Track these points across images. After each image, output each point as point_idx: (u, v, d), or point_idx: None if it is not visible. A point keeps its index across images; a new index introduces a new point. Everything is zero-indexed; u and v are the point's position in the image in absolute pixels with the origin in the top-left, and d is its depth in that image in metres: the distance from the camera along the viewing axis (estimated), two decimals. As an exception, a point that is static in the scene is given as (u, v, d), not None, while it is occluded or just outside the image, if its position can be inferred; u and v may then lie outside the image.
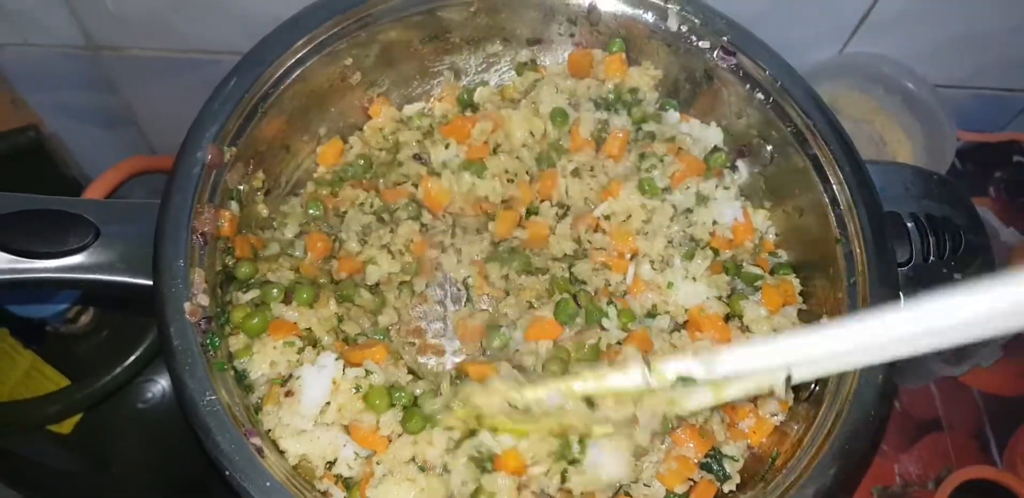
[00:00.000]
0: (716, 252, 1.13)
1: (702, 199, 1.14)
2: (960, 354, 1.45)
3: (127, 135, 1.80)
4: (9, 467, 1.42)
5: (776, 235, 1.16)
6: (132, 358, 1.44)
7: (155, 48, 1.54)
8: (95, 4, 1.43)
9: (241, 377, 0.96)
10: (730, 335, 1.07)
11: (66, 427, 1.46)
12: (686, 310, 1.09)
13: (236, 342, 0.98)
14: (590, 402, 0.86)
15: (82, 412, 1.47)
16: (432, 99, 1.25)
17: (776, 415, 1.02)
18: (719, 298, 1.09)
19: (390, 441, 0.97)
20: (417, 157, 1.18)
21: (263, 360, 0.97)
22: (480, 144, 1.16)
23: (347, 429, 0.97)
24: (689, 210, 1.14)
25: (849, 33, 1.48)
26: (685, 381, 0.80)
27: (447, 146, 1.17)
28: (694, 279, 1.09)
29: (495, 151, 1.17)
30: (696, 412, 0.82)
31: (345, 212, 1.14)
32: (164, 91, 1.64)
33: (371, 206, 1.14)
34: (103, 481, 1.49)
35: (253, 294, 1.01)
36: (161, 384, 1.55)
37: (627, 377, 0.84)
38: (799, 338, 0.76)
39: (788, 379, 0.76)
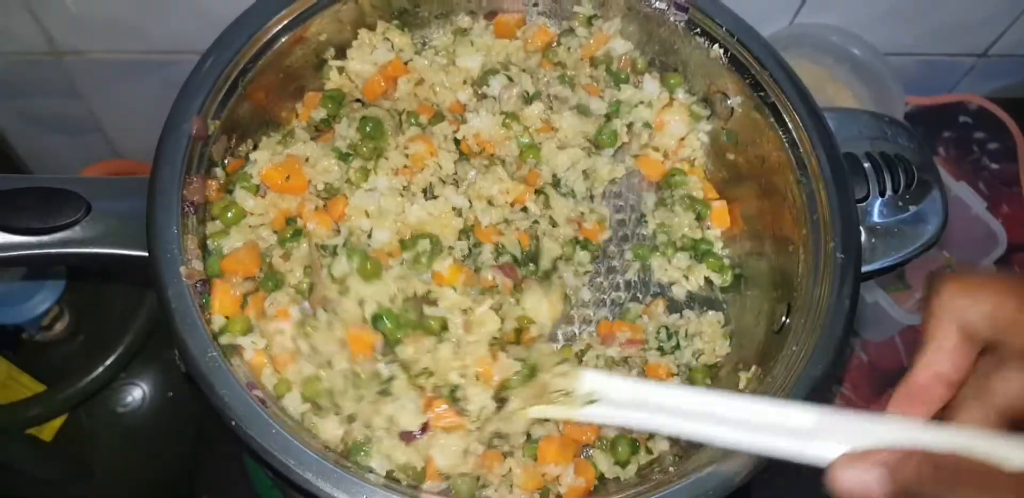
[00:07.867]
0: None
1: None
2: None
3: (90, 142, 1.81)
4: (-9, 477, 1.42)
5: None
6: (112, 358, 1.45)
7: (117, 50, 1.56)
8: (57, 7, 1.44)
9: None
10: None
11: (47, 435, 1.46)
12: None
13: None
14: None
15: (63, 416, 1.47)
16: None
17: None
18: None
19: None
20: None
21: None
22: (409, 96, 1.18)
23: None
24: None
25: (798, 4, 1.54)
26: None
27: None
28: None
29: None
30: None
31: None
32: (127, 95, 1.66)
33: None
34: (86, 488, 1.49)
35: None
36: (141, 388, 1.55)
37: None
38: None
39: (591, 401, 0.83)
